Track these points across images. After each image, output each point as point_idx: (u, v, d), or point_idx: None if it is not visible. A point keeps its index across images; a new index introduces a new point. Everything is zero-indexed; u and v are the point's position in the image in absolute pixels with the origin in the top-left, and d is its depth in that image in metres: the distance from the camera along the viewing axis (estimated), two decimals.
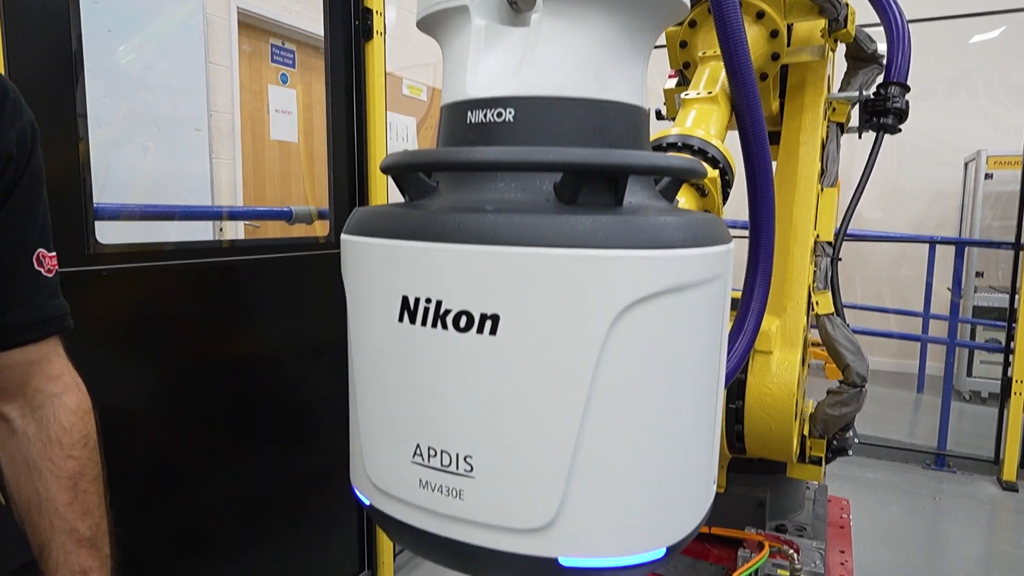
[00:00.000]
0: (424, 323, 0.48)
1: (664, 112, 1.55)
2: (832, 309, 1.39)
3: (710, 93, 1.12)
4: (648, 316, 0.46)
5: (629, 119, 0.57)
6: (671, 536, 0.51)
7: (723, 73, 1.12)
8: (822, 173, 1.43)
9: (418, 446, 0.50)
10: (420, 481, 0.51)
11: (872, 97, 1.44)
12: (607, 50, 0.54)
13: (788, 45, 1.30)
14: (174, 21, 3.42)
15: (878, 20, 1.45)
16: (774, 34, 1.24)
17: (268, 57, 4.03)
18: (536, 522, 0.47)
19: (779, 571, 1.22)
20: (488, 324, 0.46)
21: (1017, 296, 3.45)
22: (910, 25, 1.43)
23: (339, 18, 2.06)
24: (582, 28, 0.53)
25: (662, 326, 0.47)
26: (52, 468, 0.79)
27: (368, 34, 2.11)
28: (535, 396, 0.46)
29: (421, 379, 0.50)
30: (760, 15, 1.23)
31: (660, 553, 0.51)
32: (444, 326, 0.47)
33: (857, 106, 1.47)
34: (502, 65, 0.55)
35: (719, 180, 0.98)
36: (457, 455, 0.49)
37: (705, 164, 0.98)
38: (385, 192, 2.21)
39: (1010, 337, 3.51)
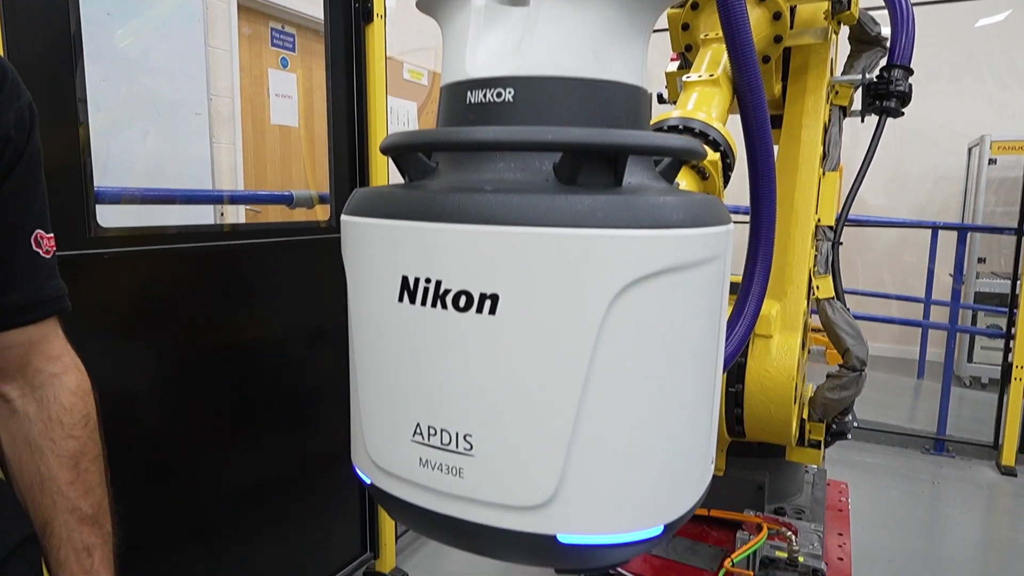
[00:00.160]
0: (424, 303, 0.48)
1: (666, 95, 1.55)
2: (832, 293, 1.39)
3: (712, 76, 1.11)
4: (647, 296, 0.46)
5: (629, 99, 0.56)
6: (669, 514, 0.52)
7: (725, 55, 1.11)
8: (824, 157, 1.42)
9: (418, 425, 0.51)
10: (420, 460, 0.51)
11: (875, 80, 1.43)
12: (607, 30, 0.54)
13: (791, 27, 1.29)
14: (173, 4, 3.40)
15: (882, 2, 1.43)
16: (777, 16, 1.23)
17: (268, 41, 4.01)
18: (535, 500, 0.48)
19: (777, 553, 1.23)
20: (488, 304, 0.46)
21: (1019, 282, 3.45)
22: (914, 8, 1.42)
23: (339, 0, 2.05)
24: (582, 8, 0.53)
25: (661, 306, 0.47)
26: (53, 448, 0.79)
27: (368, 16, 2.10)
28: (534, 375, 0.46)
29: (421, 358, 0.50)
30: None
31: (658, 530, 0.51)
32: (444, 306, 0.47)
33: (860, 89, 1.47)
34: (501, 45, 0.54)
35: (720, 163, 0.98)
36: (457, 434, 0.49)
37: (706, 146, 0.98)
38: (386, 177, 2.21)
39: (1011, 323, 3.51)
